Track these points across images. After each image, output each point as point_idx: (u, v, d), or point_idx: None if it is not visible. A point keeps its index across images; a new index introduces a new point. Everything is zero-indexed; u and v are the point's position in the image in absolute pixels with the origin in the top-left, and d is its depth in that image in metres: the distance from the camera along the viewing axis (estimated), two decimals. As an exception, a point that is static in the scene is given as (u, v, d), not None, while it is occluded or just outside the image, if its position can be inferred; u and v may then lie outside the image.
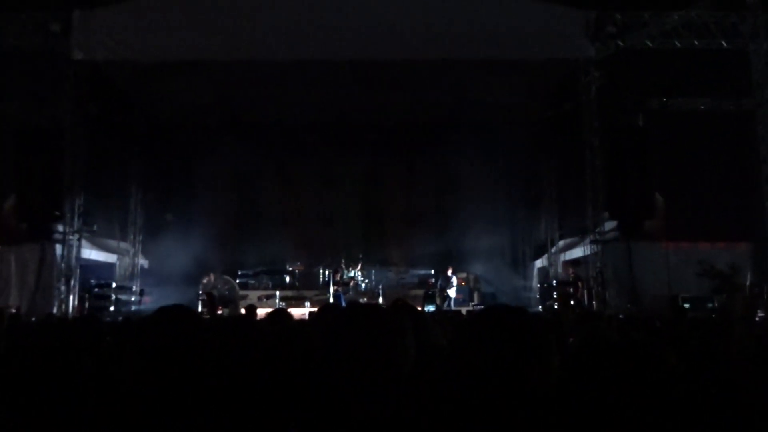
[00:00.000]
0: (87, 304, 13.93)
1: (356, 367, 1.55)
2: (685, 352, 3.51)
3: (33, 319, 11.13)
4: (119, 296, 15.55)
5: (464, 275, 18.27)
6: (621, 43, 13.41)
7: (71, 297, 13.31)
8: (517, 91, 14.81)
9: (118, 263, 17.05)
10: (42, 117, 13.36)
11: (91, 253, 15.05)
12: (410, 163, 19.91)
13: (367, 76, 14.16)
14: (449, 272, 16.96)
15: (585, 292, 14.36)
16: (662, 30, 13.32)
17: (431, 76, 14.22)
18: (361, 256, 18.40)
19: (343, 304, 13.21)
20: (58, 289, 13.25)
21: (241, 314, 10.03)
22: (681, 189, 14.70)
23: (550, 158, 18.27)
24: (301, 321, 5.66)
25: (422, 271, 19.48)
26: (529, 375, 1.53)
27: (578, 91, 14.06)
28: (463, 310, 13.13)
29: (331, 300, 15.84)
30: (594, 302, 13.59)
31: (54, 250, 13.61)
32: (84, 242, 14.12)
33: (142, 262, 18.05)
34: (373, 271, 18.80)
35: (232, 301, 16.43)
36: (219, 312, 13.67)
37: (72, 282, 13.38)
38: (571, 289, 15.19)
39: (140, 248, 18.01)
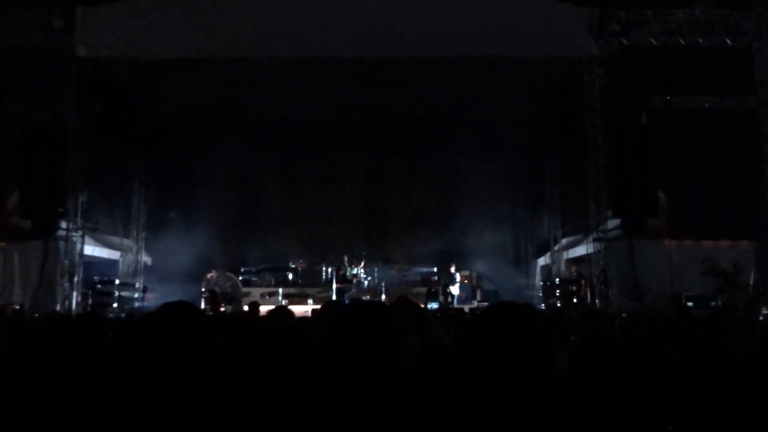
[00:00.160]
0: (90, 301, 13.98)
1: (359, 365, 1.55)
2: (688, 351, 3.51)
3: (36, 315, 11.15)
4: (122, 293, 15.60)
5: (467, 273, 18.28)
6: (624, 41, 13.38)
7: (74, 294, 13.34)
8: (519, 90, 14.80)
9: (121, 260, 17.10)
10: (45, 114, 13.37)
11: (94, 250, 15.08)
12: (412, 161, 19.92)
13: (368, 75, 14.14)
14: (452, 270, 16.98)
15: (588, 290, 14.37)
16: (666, 28, 13.28)
17: (433, 75, 14.20)
18: (363, 253, 18.42)
19: (346, 302, 13.22)
20: (62, 285, 13.28)
21: (244, 311, 10.06)
22: (684, 187, 14.67)
23: (552, 156, 18.26)
24: (304, 318, 5.67)
25: (425, 269, 19.50)
26: (534, 374, 1.52)
27: (581, 89, 14.04)
28: (466, 307, 13.15)
29: (334, 297, 15.86)
30: (597, 300, 13.60)
31: (57, 247, 13.62)
32: (87, 239, 14.15)
33: (145, 259, 18.10)
34: (376, 269, 18.83)
35: (234, 299, 16.46)
36: (222, 309, 13.71)
37: (75, 279, 13.41)
38: (574, 287, 15.19)
39: (143, 245, 18.06)
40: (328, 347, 1.63)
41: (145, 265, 18.01)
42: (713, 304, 12.98)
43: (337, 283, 16.69)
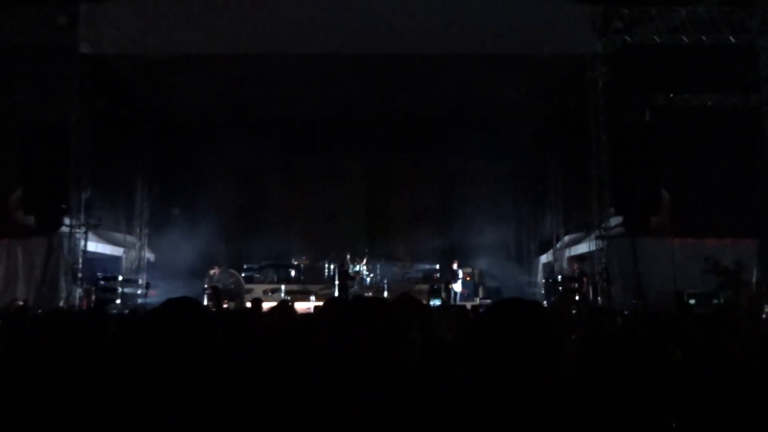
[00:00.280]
0: (93, 297, 14.00)
1: (361, 361, 1.55)
2: (691, 348, 3.50)
3: (40, 311, 11.18)
4: (125, 289, 15.62)
5: (469, 270, 18.29)
6: (628, 39, 13.35)
7: (78, 290, 13.37)
8: (522, 87, 14.80)
9: (124, 256, 17.12)
10: (48, 111, 13.39)
11: (97, 247, 15.11)
12: (415, 158, 19.91)
13: (372, 72, 14.15)
14: (455, 266, 16.98)
15: (590, 287, 14.35)
16: (669, 25, 13.24)
17: (436, 72, 14.20)
18: (366, 250, 18.43)
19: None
20: (65, 282, 13.32)
21: (247, 308, 10.07)
22: (687, 185, 14.63)
23: (555, 154, 18.24)
24: (306, 315, 5.68)
25: (427, 266, 19.51)
26: (540, 371, 1.52)
27: (584, 87, 14.01)
28: (468, 305, 13.14)
29: (337, 293, 15.87)
30: (599, 298, 13.58)
31: (60, 243, 13.66)
32: (90, 235, 14.17)
33: (149, 255, 18.12)
34: (378, 266, 18.84)
35: (237, 295, 16.48)
36: (224, 305, 13.72)
37: (78, 275, 13.44)
38: (576, 285, 15.19)
39: (146, 242, 18.08)
40: (331, 344, 1.63)
41: (148, 261, 18.04)
42: (716, 301, 12.94)
43: (339, 280, 16.71)
